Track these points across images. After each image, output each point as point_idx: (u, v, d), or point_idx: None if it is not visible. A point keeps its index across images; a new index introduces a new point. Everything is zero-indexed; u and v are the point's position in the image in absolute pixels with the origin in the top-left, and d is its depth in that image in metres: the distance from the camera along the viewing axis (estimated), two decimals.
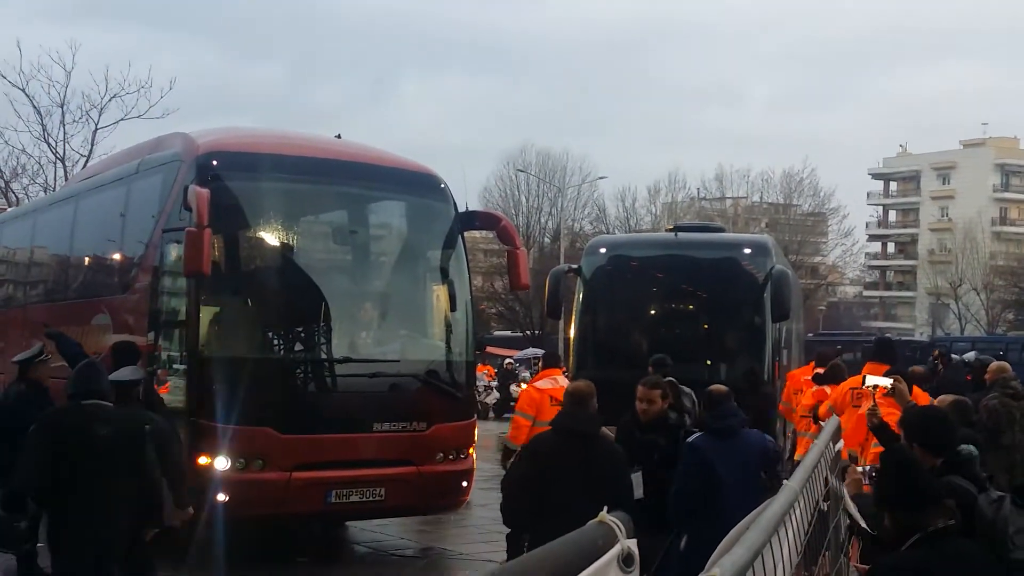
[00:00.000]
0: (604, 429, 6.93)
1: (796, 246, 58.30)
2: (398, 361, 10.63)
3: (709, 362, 14.10)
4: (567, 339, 15.77)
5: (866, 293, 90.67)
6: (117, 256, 11.87)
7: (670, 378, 9.34)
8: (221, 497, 9.13)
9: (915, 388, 8.88)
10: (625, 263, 15.39)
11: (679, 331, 15.01)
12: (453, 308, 10.94)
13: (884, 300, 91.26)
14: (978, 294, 65.82)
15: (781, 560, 3.21)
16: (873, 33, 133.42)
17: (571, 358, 14.82)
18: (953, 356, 21.55)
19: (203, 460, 9.23)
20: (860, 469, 6.81)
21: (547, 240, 58.31)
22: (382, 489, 9.96)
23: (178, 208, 9.71)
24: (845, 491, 5.70)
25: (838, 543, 5.85)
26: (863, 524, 5.22)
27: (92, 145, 31.80)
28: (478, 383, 19.36)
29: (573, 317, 15.25)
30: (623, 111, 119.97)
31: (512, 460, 8.51)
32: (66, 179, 29.81)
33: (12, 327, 14.32)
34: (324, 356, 10.36)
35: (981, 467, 5.60)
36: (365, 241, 11.49)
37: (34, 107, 31.49)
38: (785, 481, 4.04)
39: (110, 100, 31.32)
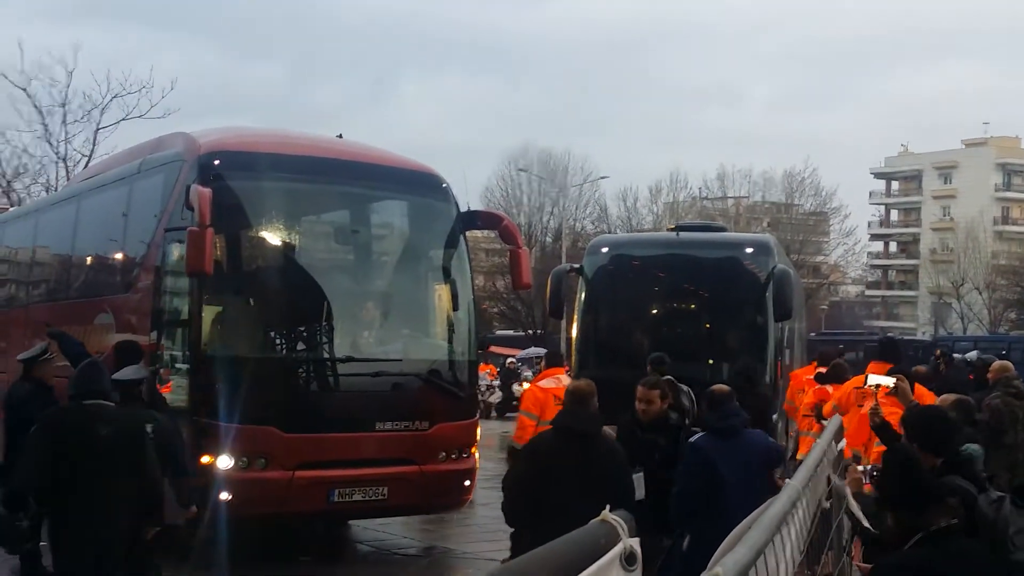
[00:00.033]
0: (605, 428, 6.93)
1: (798, 245, 58.28)
2: (400, 360, 10.63)
3: (711, 361, 14.09)
4: (569, 338, 15.75)
5: (868, 292, 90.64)
6: (119, 256, 11.87)
7: (668, 376, 9.35)
8: (224, 496, 9.13)
9: (920, 388, 8.88)
10: (627, 262, 15.37)
11: (681, 331, 14.99)
12: (455, 307, 10.95)
13: (886, 299, 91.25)
14: (980, 293, 65.78)
15: (784, 559, 3.22)
16: (873, 33, 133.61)
17: (573, 357, 14.81)
18: (955, 356, 21.53)
19: (206, 459, 9.24)
20: (860, 468, 6.81)
21: (549, 239, 58.26)
22: (385, 488, 9.96)
23: (180, 207, 9.71)
24: (848, 490, 5.71)
25: (840, 542, 5.86)
26: (865, 523, 5.22)
27: (94, 145, 31.88)
28: (480, 382, 19.33)
29: (575, 316, 15.25)
30: (623, 111, 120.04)
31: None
32: (68, 179, 29.85)
33: (14, 326, 14.32)
34: (326, 355, 10.36)
35: (984, 466, 5.61)
36: (367, 241, 11.49)
37: (36, 107, 31.57)
38: (788, 480, 4.04)
39: (111, 100, 31.40)
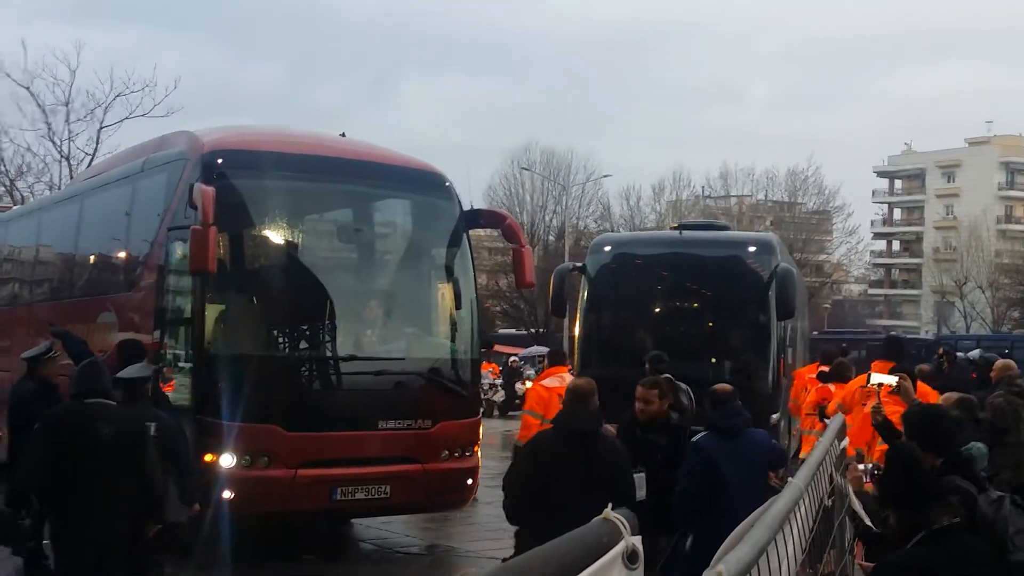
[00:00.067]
0: (607, 427, 6.93)
1: (801, 244, 58.26)
2: (403, 359, 10.64)
3: (714, 360, 14.10)
4: (571, 337, 15.75)
5: (871, 291, 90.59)
6: (122, 254, 11.88)
7: (667, 375, 9.36)
8: (226, 494, 9.14)
9: (924, 386, 8.88)
10: (630, 261, 15.37)
11: (684, 329, 14.99)
12: (458, 306, 10.95)
13: (889, 298, 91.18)
14: (983, 292, 65.72)
15: (786, 557, 3.22)
16: (873, 33, 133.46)
17: (575, 356, 14.81)
18: (959, 354, 21.49)
19: (208, 457, 9.25)
20: (861, 467, 6.81)
21: (552, 238, 58.26)
22: (387, 486, 9.96)
23: (183, 206, 9.71)
24: (850, 488, 5.71)
25: (843, 541, 5.86)
26: (867, 521, 5.22)
27: (97, 143, 31.97)
28: (483, 381, 19.34)
29: (578, 315, 15.24)
30: (624, 111, 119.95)
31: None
32: (71, 177, 29.88)
33: (18, 325, 14.35)
34: (329, 354, 10.36)
35: (988, 465, 5.60)
36: (370, 239, 11.50)
37: (39, 106, 31.67)
38: (790, 479, 4.04)
39: (115, 99, 31.46)
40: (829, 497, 5.73)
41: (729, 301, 14.64)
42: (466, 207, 11.15)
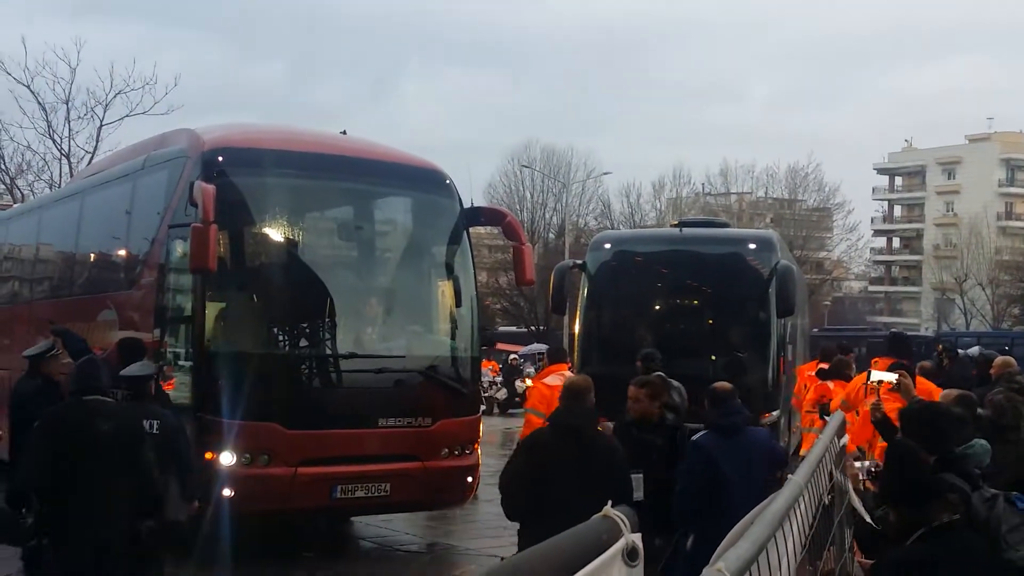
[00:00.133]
0: (605, 423, 6.92)
1: (801, 241, 58.31)
2: (403, 356, 10.64)
3: (714, 358, 14.09)
4: (572, 335, 15.75)
5: (871, 288, 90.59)
6: (123, 252, 11.88)
7: (659, 372, 9.36)
8: (227, 492, 9.15)
9: (925, 383, 8.88)
10: (630, 258, 15.36)
11: (684, 326, 14.99)
12: (458, 304, 10.96)
13: (889, 295, 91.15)
14: (983, 289, 65.70)
15: (786, 554, 3.22)
16: (872, 31, 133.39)
17: (575, 354, 14.81)
18: (959, 351, 21.50)
19: (209, 455, 9.25)
20: (858, 464, 6.81)
21: (552, 236, 58.31)
22: (387, 484, 9.97)
23: (184, 204, 9.71)
24: (849, 485, 5.71)
25: (843, 538, 5.86)
26: (868, 518, 5.22)
27: (97, 141, 31.95)
28: (483, 379, 19.35)
29: (578, 313, 15.24)
30: (624, 109, 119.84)
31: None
32: (71, 175, 29.87)
33: (18, 323, 14.35)
34: (330, 351, 10.37)
35: (991, 461, 5.59)
36: (370, 237, 11.49)
37: (39, 103, 31.63)
38: (790, 476, 4.05)
39: (115, 96, 31.44)
40: (829, 494, 5.74)
41: (729, 298, 14.63)
42: (466, 205, 11.16)
